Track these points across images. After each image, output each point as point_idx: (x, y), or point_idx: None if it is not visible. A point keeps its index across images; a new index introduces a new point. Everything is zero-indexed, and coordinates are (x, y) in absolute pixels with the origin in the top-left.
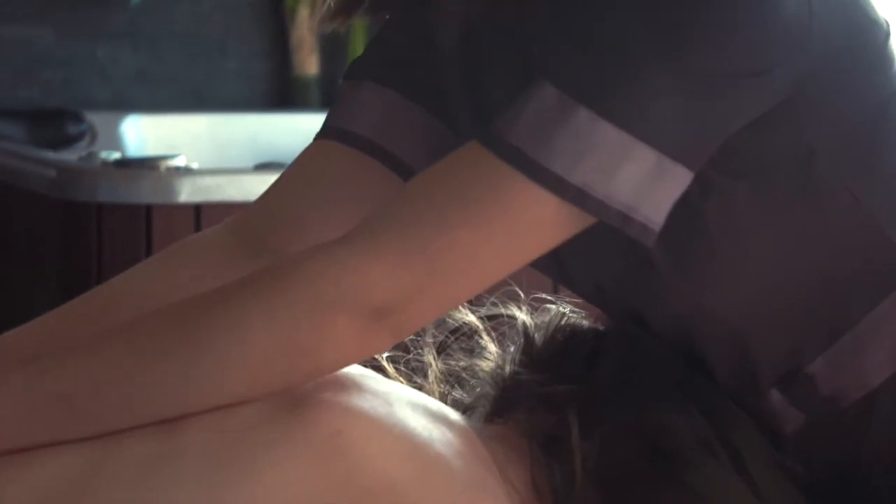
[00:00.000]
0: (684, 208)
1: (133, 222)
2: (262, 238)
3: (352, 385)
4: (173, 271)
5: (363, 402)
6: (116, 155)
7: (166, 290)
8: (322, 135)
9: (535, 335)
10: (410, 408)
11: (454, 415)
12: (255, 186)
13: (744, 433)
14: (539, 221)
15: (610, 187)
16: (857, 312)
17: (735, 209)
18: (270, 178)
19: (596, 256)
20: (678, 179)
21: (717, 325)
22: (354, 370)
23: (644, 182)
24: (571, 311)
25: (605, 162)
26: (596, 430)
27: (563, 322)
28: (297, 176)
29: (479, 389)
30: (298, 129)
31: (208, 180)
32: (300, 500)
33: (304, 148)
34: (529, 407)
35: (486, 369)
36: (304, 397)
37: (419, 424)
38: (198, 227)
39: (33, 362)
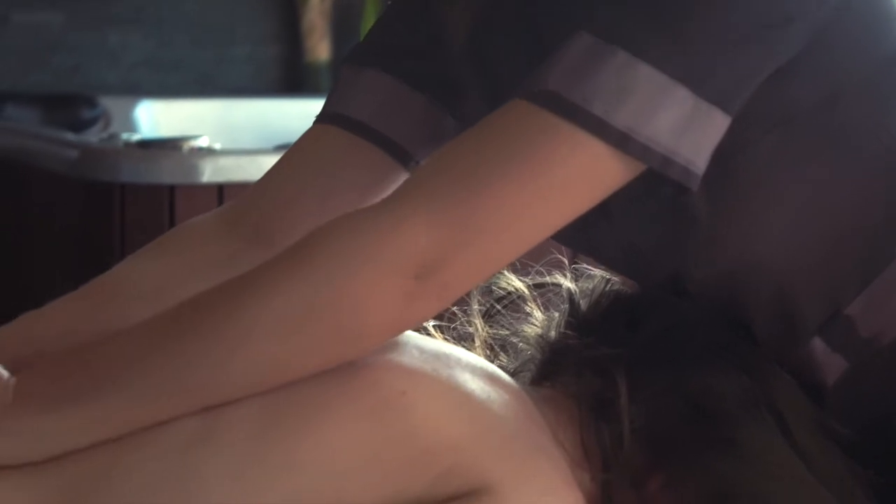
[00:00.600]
0: (720, 161)
1: (156, 202)
2: (258, 224)
3: (413, 347)
4: (170, 260)
5: (425, 365)
6: (135, 138)
7: (164, 278)
8: (321, 119)
9: (580, 301)
10: (469, 370)
11: (507, 378)
12: None
13: (787, 393)
14: (583, 170)
15: (651, 129)
16: (891, 251)
17: (767, 160)
18: None
19: (636, 218)
20: (716, 124)
21: (761, 276)
22: (413, 334)
23: (683, 124)
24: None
25: (645, 104)
26: (643, 392)
27: (607, 288)
28: (295, 161)
29: (525, 354)
30: (309, 114)
31: (231, 160)
32: (360, 457)
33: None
34: (577, 370)
35: (532, 335)
36: (366, 359)
37: (477, 387)
38: None
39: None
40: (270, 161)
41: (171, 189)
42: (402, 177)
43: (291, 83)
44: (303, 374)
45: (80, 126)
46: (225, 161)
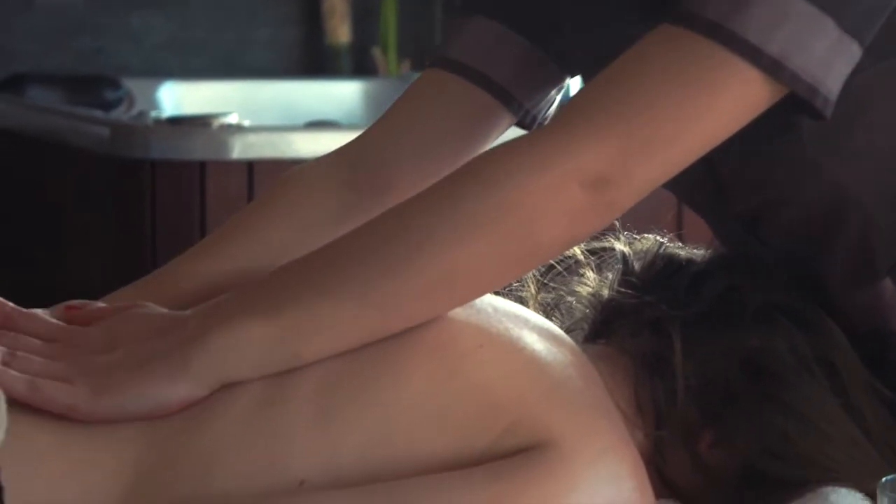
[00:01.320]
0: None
1: (186, 179)
2: (373, 173)
3: (488, 305)
4: (294, 210)
5: (499, 324)
6: (168, 113)
7: (296, 229)
8: (432, 65)
9: (634, 262)
10: (536, 331)
11: (568, 338)
12: (307, 144)
13: (843, 355)
14: (736, 95)
15: (802, 58)
16: None
17: (874, 88)
18: (321, 136)
19: (738, 140)
20: (852, 56)
21: (850, 207)
22: (487, 294)
23: (829, 55)
24: (668, 241)
25: (797, 34)
26: (697, 351)
27: (661, 250)
28: (405, 108)
29: (577, 313)
30: (331, 95)
31: (261, 137)
32: (434, 407)
33: (344, 110)
34: (632, 328)
35: (585, 294)
36: (443, 316)
37: (544, 347)
38: (250, 184)
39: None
40: (301, 138)
41: (202, 165)
42: (508, 122)
43: (312, 65)
44: (476, 286)
45: (104, 107)
46: (255, 138)
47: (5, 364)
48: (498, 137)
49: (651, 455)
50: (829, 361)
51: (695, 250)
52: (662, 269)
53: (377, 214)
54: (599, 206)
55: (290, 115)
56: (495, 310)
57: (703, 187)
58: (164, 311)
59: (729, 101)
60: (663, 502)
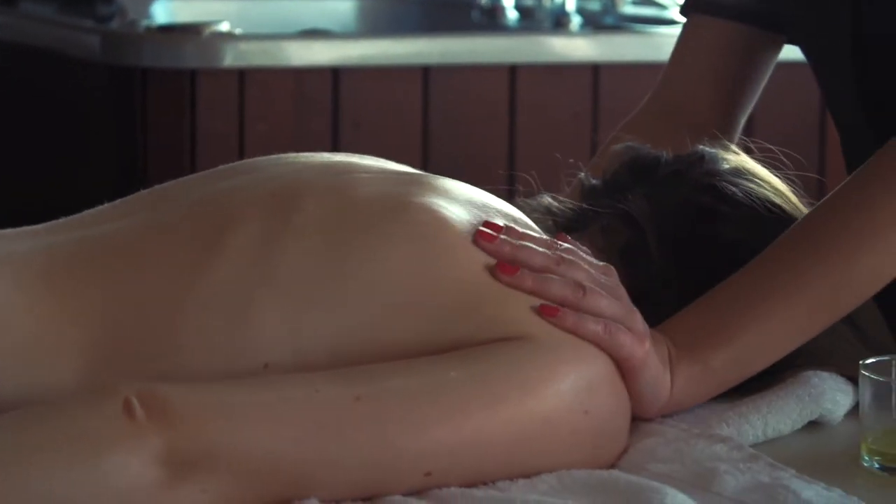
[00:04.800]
0: None
1: (177, 86)
2: (684, 111)
3: (478, 201)
4: None
5: (464, 211)
6: (160, 20)
7: None
8: (690, 11)
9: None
10: (503, 218)
11: (535, 227)
12: (299, 52)
13: None
14: None
15: None
16: None
17: None
18: (314, 45)
19: None
20: None
21: None
22: (461, 184)
23: None
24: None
25: None
26: (670, 238)
27: (628, 154)
28: (689, 53)
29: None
30: (323, 4)
31: (253, 45)
32: (413, 291)
33: (337, 18)
34: (602, 224)
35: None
36: (418, 201)
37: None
38: (241, 93)
39: None
40: (293, 46)
41: (193, 73)
42: (781, 42)
43: None
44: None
45: (98, 21)
46: (246, 46)
47: (577, 294)
48: (779, 50)
49: None
50: None
51: (663, 151)
52: (632, 171)
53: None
54: None
55: (283, 24)
56: (485, 206)
57: (845, 55)
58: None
59: None
60: None
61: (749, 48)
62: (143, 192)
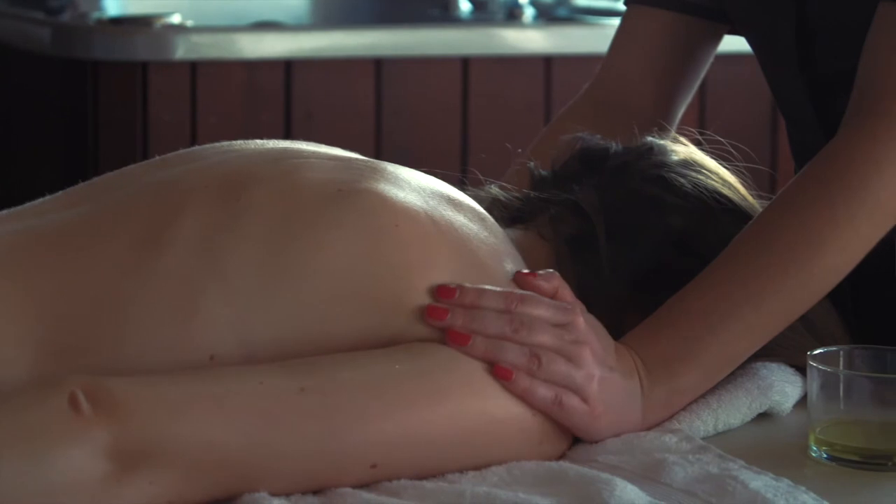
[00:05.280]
0: None
1: (129, 79)
2: (615, 100)
3: (415, 183)
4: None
5: (423, 202)
6: (112, 13)
7: None
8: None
9: (547, 169)
10: (462, 212)
11: (493, 220)
12: (251, 44)
13: None
14: None
15: None
16: None
17: None
18: (266, 37)
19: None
20: None
21: None
22: (415, 172)
23: None
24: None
25: None
26: (619, 231)
27: (578, 145)
28: (626, 44)
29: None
30: None
31: (205, 37)
32: (349, 285)
33: (289, 10)
34: (552, 214)
35: (499, 193)
36: (364, 186)
37: (472, 231)
38: (193, 85)
39: None
40: (245, 38)
41: (144, 66)
42: (718, 36)
43: None
44: (843, 274)
45: (48, 14)
46: (198, 38)
47: (532, 363)
48: (719, 41)
49: None
50: None
51: (612, 142)
52: (581, 161)
53: None
54: None
55: (235, 16)
56: (436, 193)
57: (787, 44)
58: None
59: None
60: None
61: (689, 38)
62: (88, 182)
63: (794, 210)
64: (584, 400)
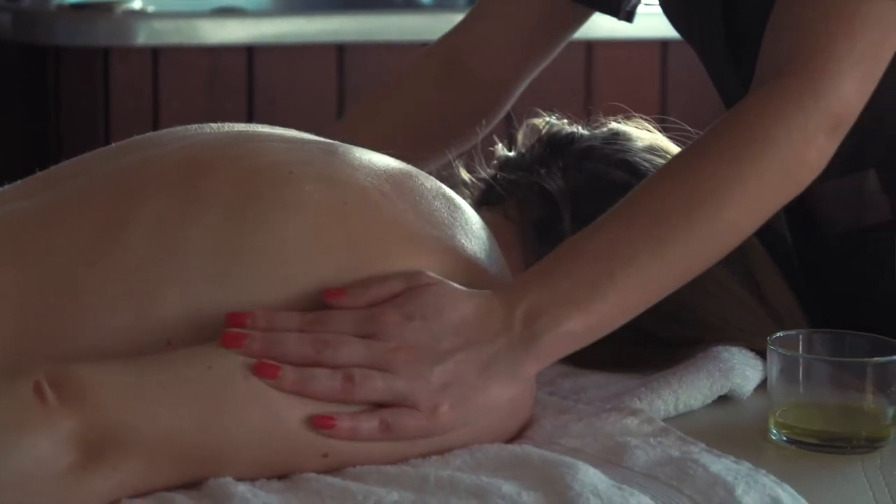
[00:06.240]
0: None
1: (91, 65)
2: (466, 66)
3: (354, 159)
4: (401, 102)
5: (365, 176)
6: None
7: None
8: None
9: (521, 142)
10: (431, 194)
11: (462, 201)
12: (213, 30)
13: None
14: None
15: None
16: None
17: None
18: (228, 22)
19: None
20: None
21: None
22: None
23: None
24: (556, 119)
25: None
26: (586, 215)
27: (547, 129)
28: (488, 7)
29: (464, 190)
30: None
31: (166, 23)
32: (301, 253)
33: None
34: (518, 196)
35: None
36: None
37: (441, 216)
38: (155, 71)
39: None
40: (206, 24)
41: (106, 52)
42: (587, 13)
43: None
44: (746, 233)
45: None
46: (160, 24)
47: (346, 386)
48: (575, 29)
49: None
50: None
51: (580, 128)
52: (548, 145)
53: None
54: (834, 141)
55: (196, 1)
56: (372, 165)
57: (720, 45)
58: (462, 305)
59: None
60: (551, 365)
61: (560, 19)
62: (46, 171)
63: (702, 161)
64: (415, 406)
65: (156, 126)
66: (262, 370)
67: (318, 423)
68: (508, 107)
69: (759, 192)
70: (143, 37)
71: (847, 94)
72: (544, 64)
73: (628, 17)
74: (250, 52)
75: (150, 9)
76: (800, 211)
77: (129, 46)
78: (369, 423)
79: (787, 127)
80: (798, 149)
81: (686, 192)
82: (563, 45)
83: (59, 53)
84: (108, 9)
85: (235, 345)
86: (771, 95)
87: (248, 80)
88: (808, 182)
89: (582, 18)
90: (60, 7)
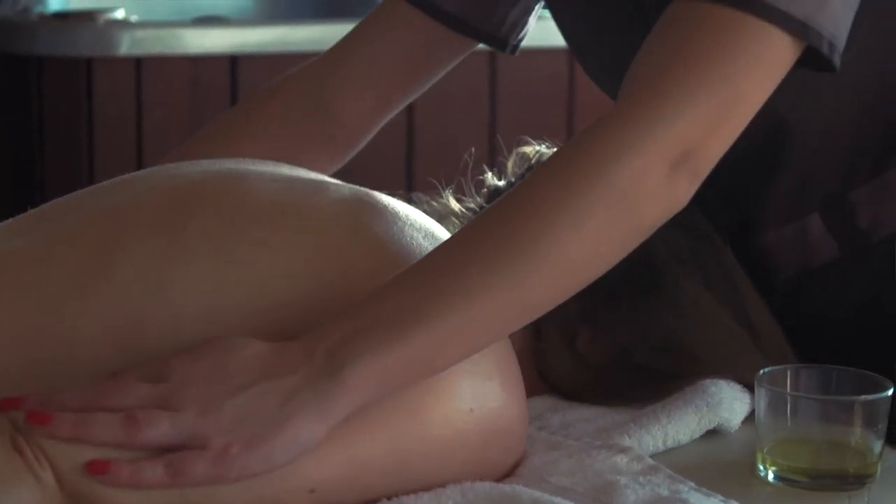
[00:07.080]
0: None
1: (74, 75)
2: (326, 99)
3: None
4: (253, 123)
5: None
6: (54, 7)
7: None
8: None
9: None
10: (416, 229)
11: (438, 229)
12: (195, 39)
13: (717, 251)
14: (774, 60)
15: (822, 19)
16: None
17: None
18: (210, 32)
19: None
20: (855, 5)
21: (791, 135)
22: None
23: (843, 11)
24: (546, 147)
25: None
26: None
27: (537, 158)
28: (361, 36)
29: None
30: None
31: (149, 33)
32: (285, 292)
33: (233, 5)
34: None
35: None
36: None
37: (415, 243)
38: (138, 81)
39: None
40: (189, 34)
41: (89, 61)
42: (467, 47)
43: None
44: (593, 270)
45: None
46: (142, 33)
47: (129, 429)
48: (456, 62)
49: (531, 355)
50: (701, 256)
51: None
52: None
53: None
54: (685, 177)
55: (179, 11)
56: (357, 203)
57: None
58: (258, 344)
59: (769, 67)
60: (540, 399)
61: (435, 49)
62: (39, 208)
63: (530, 190)
64: (206, 445)
65: (139, 135)
66: (32, 418)
67: (93, 469)
68: (366, 140)
69: (589, 216)
70: (126, 46)
71: (692, 121)
72: (417, 94)
73: (514, 51)
74: (233, 61)
75: (133, 18)
76: (747, 259)
77: (112, 56)
78: (153, 469)
79: (617, 151)
80: (634, 176)
81: (510, 226)
82: (441, 74)
83: (42, 63)
84: (90, 18)
85: (10, 406)
86: (610, 118)
87: (231, 89)
88: (661, 214)
89: (465, 48)
90: (43, 17)
